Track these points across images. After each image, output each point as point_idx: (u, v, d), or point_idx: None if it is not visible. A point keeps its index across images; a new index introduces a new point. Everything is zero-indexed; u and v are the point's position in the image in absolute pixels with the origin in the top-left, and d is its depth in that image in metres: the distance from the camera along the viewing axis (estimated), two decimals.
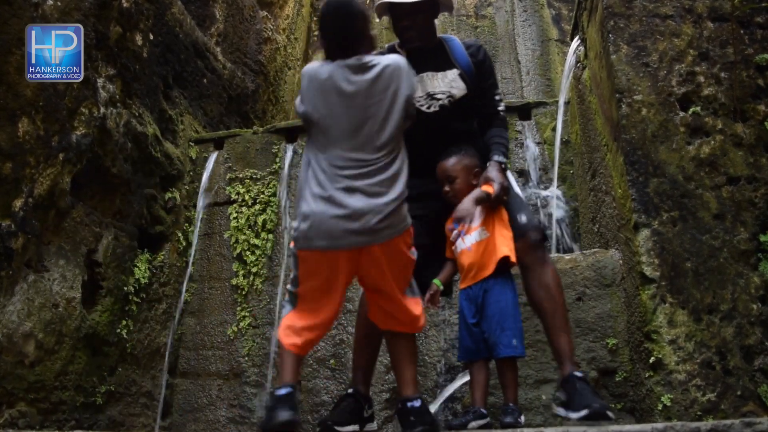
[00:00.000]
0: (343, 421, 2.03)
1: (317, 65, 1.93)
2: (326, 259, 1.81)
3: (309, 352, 1.92)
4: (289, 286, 1.94)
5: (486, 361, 2.18)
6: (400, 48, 2.37)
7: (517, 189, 2.41)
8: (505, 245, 2.14)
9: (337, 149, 1.85)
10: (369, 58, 1.92)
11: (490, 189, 2.17)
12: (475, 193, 2.17)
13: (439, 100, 2.31)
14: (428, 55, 2.33)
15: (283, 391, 1.75)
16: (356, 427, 2.08)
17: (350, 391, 2.21)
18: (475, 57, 2.35)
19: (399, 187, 1.85)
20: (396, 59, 1.94)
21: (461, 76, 2.32)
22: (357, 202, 1.78)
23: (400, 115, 1.89)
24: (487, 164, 2.26)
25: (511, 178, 2.46)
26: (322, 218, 1.78)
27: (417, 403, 1.86)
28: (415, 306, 1.95)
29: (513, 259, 2.14)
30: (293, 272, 1.91)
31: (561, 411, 2.00)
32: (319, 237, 1.79)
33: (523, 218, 2.20)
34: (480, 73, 2.35)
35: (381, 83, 1.88)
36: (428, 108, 2.31)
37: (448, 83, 2.31)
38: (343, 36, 1.92)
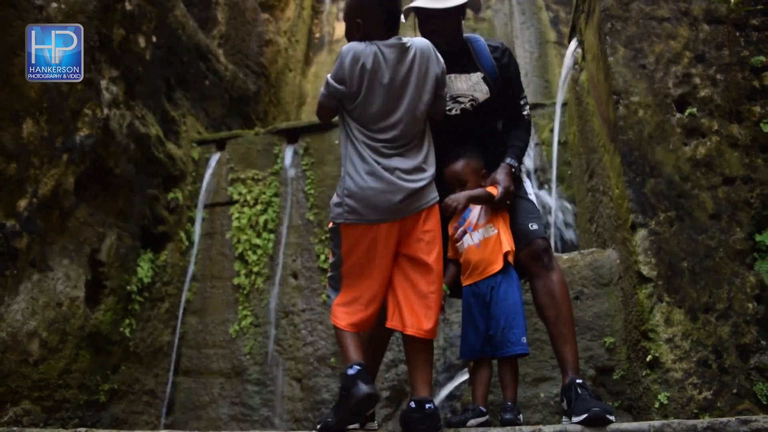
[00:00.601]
0: None
1: (360, 45, 1.98)
2: (373, 231, 1.91)
3: (367, 329, 1.97)
4: (331, 272, 1.99)
5: (489, 359, 2.20)
6: None
7: (530, 192, 2.40)
8: (507, 242, 2.18)
9: (375, 127, 1.95)
10: (406, 39, 1.99)
11: (494, 191, 2.19)
12: (476, 191, 2.19)
13: (461, 103, 2.30)
14: (453, 56, 2.29)
15: (353, 370, 1.81)
16: (357, 424, 2.09)
17: None
18: (500, 60, 2.33)
19: (430, 169, 1.99)
20: (425, 41, 2.05)
21: (485, 79, 2.31)
22: (396, 178, 1.90)
23: (430, 96, 2.01)
24: (500, 165, 2.27)
25: (527, 181, 2.45)
26: (373, 193, 1.89)
27: (432, 406, 1.86)
28: (430, 313, 1.97)
29: (511, 258, 2.17)
30: (334, 254, 1.98)
31: (565, 419, 2.02)
32: (369, 211, 1.89)
33: (533, 226, 2.20)
34: (504, 77, 2.34)
35: (416, 64, 1.98)
36: (450, 111, 2.30)
37: (471, 86, 2.30)
38: (391, 18, 2.01)
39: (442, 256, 2.00)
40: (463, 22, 2.37)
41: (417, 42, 2.03)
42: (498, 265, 2.15)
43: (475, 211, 2.24)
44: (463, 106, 2.31)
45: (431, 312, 1.94)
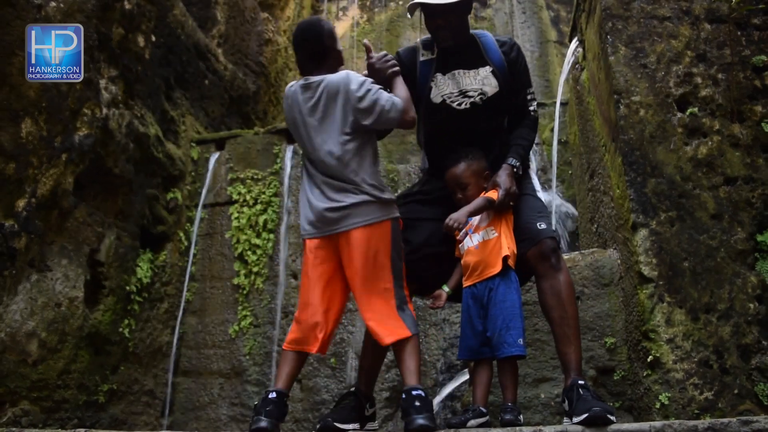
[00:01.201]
0: (344, 419, 2.05)
1: (291, 84, 2.17)
2: (311, 246, 2.07)
3: (309, 348, 2.03)
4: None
5: (490, 360, 2.20)
6: (432, 45, 2.38)
7: (538, 188, 2.40)
8: (507, 246, 2.17)
9: (308, 154, 2.12)
10: (315, 79, 2.09)
11: (494, 195, 2.19)
12: (473, 204, 2.19)
13: (471, 97, 2.30)
14: (461, 52, 2.32)
15: (271, 396, 1.95)
16: (357, 425, 2.09)
17: (352, 389, 2.23)
18: (508, 55, 2.34)
19: (364, 193, 2.03)
20: (339, 76, 2.09)
21: (493, 73, 2.31)
22: (324, 194, 2.04)
23: (352, 129, 2.06)
24: (502, 166, 2.27)
25: (534, 178, 2.44)
26: (310, 211, 2.07)
27: (421, 393, 1.88)
28: (385, 324, 1.99)
29: (511, 262, 2.16)
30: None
31: (566, 420, 2.02)
32: (305, 224, 2.09)
33: (541, 225, 2.19)
34: (513, 71, 2.34)
35: (322, 103, 2.06)
36: (459, 105, 2.30)
37: (480, 81, 2.30)
38: (310, 56, 2.12)
39: (370, 262, 2.01)
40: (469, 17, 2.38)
41: (329, 78, 2.07)
42: (496, 268, 2.15)
43: (478, 215, 2.24)
44: (472, 100, 2.30)
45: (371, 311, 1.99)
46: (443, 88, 2.32)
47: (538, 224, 2.19)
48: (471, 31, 2.38)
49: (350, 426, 2.03)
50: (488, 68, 2.31)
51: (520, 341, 2.10)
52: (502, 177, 2.22)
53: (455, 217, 2.13)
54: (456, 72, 2.31)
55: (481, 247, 2.19)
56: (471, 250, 2.21)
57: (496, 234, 2.19)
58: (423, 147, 2.51)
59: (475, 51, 2.34)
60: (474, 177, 2.26)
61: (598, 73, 2.92)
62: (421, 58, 2.37)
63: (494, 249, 2.17)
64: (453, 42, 2.29)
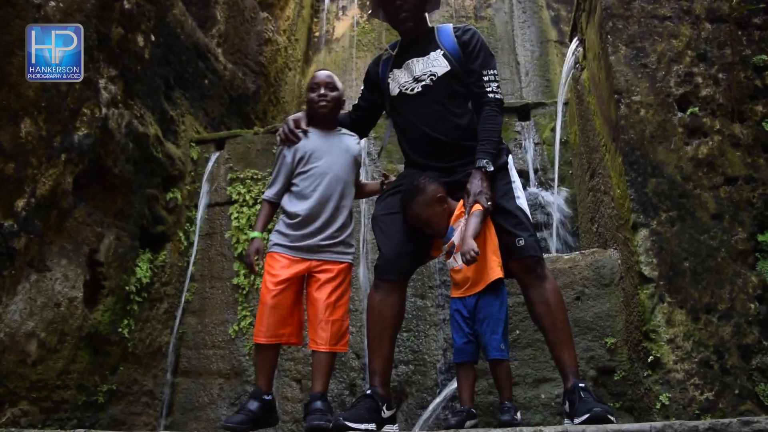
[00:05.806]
0: (357, 419, 2.02)
1: None
2: None
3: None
4: None
5: (472, 363, 2.25)
6: (395, 45, 2.49)
7: (518, 193, 2.35)
8: (496, 264, 2.17)
9: None
10: None
11: (479, 206, 2.17)
12: (472, 225, 2.13)
13: (421, 81, 2.37)
14: (417, 42, 2.43)
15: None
16: (372, 425, 2.06)
17: (368, 391, 2.21)
18: (461, 38, 2.38)
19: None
20: None
21: (444, 55, 2.37)
22: None
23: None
24: (471, 173, 2.25)
25: (513, 172, 2.39)
26: None
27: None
28: None
29: (501, 274, 2.19)
30: None
31: (566, 421, 2.03)
32: None
33: (520, 241, 2.18)
34: (465, 52, 2.37)
35: None
36: (412, 91, 2.37)
37: (430, 63, 2.38)
38: None
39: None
40: (460, 24, 2.44)
41: None
42: (480, 287, 2.19)
43: (458, 231, 2.23)
44: (423, 82, 2.36)
45: None
46: (399, 79, 2.41)
47: (517, 240, 2.19)
48: (433, 24, 2.49)
49: (362, 426, 2.00)
50: (439, 51, 2.38)
51: (502, 346, 2.16)
52: (473, 183, 2.20)
53: (466, 249, 2.06)
54: (409, 62, 2.40)
55: (465, 267, 2.18)
56: (457, 269, 2.25)
57: (479, 252, 2.18)
58: (399, 143, 2.57)
59: (430, 38, 2.43)
60: (429, 208, 2.24)
61: (599, 72, 2.91)
62: (383, 58, 2.51)
63: (478, 267, 2.17)
64: (413, 23, 2.39)
